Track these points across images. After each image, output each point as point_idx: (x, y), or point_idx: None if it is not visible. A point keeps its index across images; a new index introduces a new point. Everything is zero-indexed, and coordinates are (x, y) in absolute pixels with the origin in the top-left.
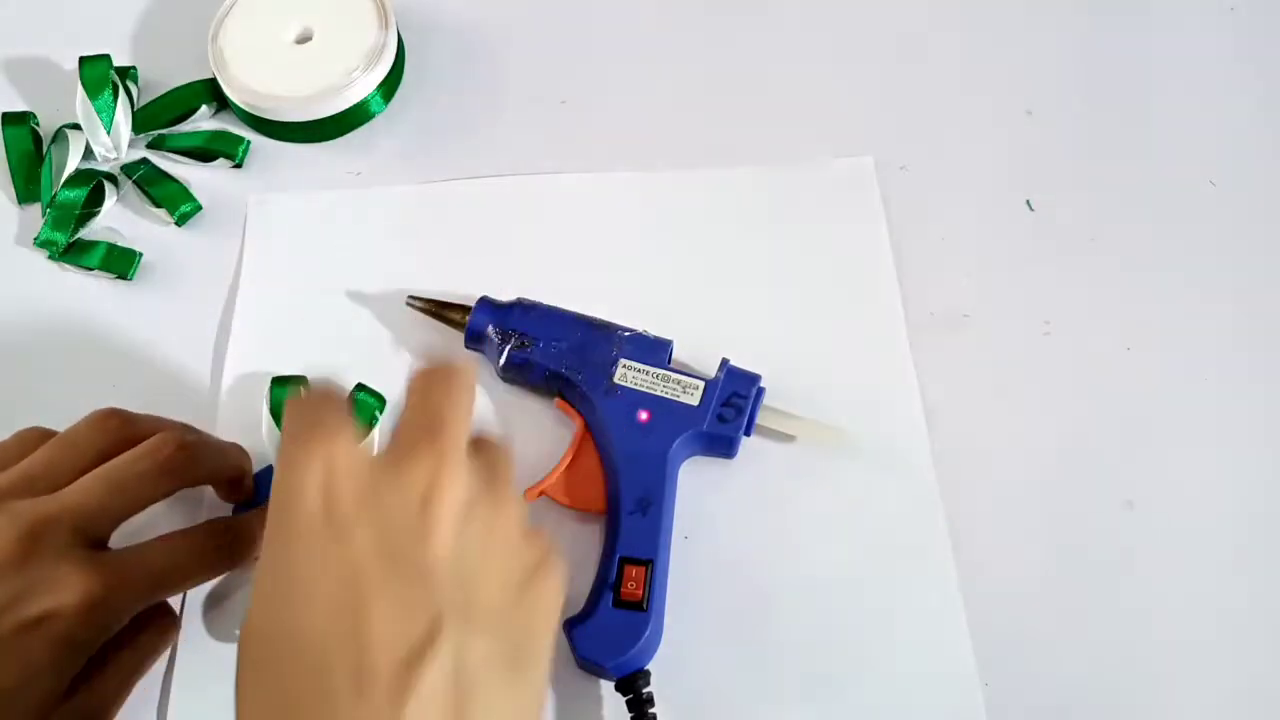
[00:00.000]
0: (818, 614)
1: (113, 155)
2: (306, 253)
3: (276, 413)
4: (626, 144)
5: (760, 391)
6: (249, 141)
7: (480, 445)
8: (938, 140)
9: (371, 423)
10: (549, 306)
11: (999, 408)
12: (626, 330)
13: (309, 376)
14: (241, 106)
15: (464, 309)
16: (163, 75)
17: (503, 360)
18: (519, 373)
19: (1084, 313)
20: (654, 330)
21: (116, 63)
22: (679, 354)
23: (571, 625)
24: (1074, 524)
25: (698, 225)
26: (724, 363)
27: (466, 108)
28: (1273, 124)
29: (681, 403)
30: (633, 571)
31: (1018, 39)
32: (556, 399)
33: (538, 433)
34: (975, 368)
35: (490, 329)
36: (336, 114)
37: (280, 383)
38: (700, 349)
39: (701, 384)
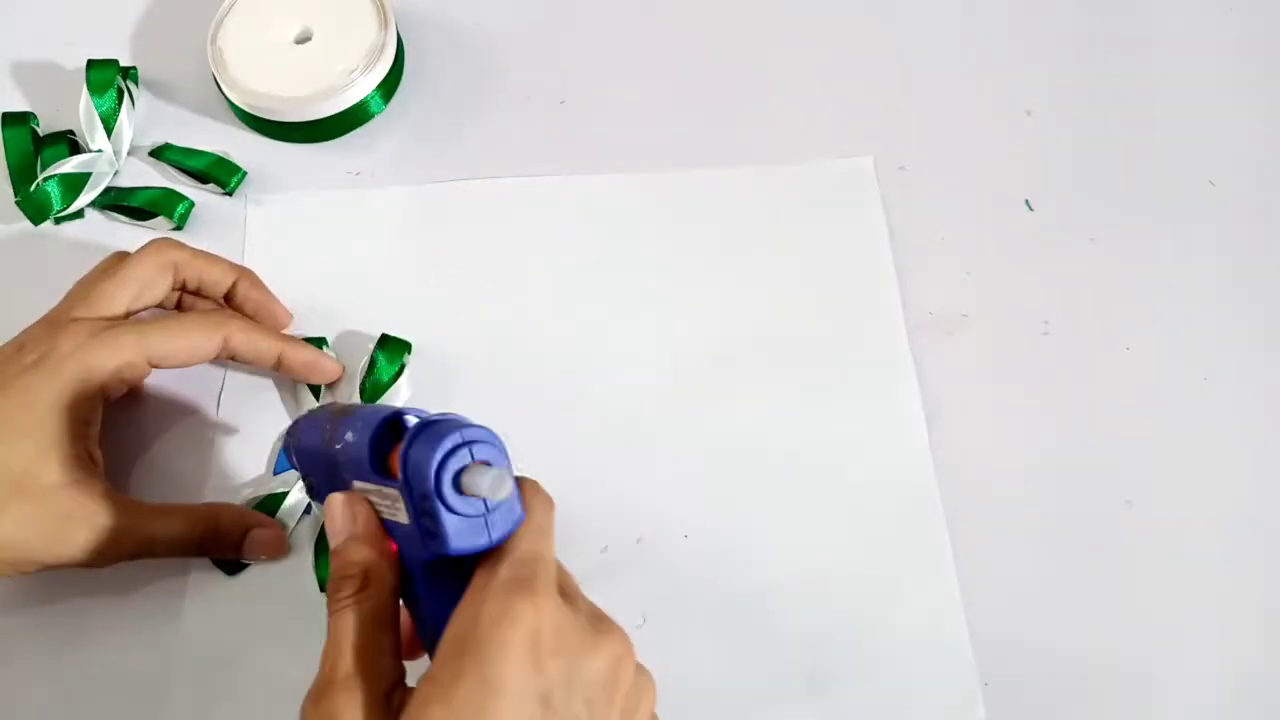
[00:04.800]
0: (817, 613)
1: (111, 169)
2: (306, 253)
3: None
4: (626, 144)
5: (442, 468)
6: (244, 173)
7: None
8: (938, 140)
9: (400, 371)
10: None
11: (999, 408)
12: (345, 434)
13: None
14: (241, 107)
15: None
16: (163, 75)
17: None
18: None
19: (1084, 313)
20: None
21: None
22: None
23: None
24: (1074, 524)
25: (698, 225)
26: (383, 421)
27: (466, 108)
28: (1273, 124)
29: (398, 523)
30: None
31: (1018, 39)
32: None
33: None
34: (975, 368)
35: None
36: (336, 114)
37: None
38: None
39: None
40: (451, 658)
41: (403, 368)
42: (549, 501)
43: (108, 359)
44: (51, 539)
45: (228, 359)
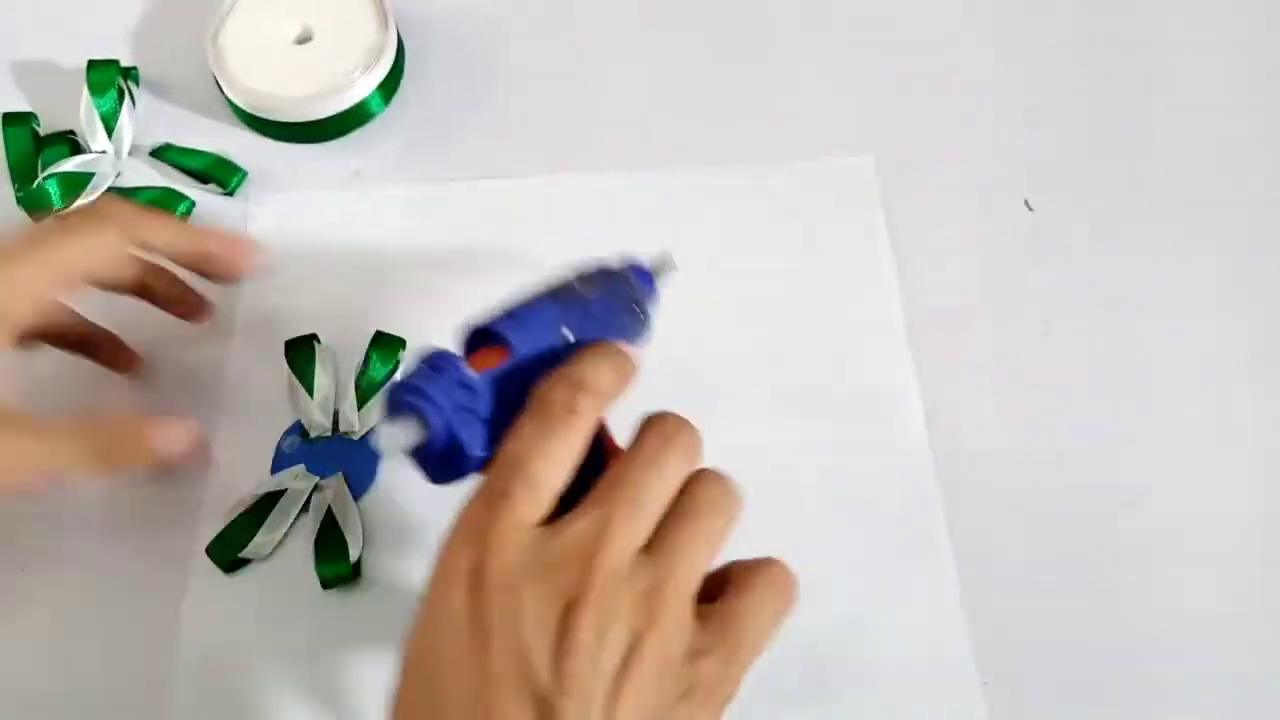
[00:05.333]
0: (816, 614)
1: (114, 170)
2: (307, 252)
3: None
4: (626, 144)
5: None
6: (245, 172)
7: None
8: (938, 140)
9: (394, 369)
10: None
11: (999, 408)
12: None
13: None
14: (241, 107)
15: None
16: (163, 75)
17: None
18: None
19: (1084, 313)
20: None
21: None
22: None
23: None
24: (1074, 524)
25: (698, 225)
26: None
27: (466, 108)
28: (1273, 124)
29: None
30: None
31: (1018, 38)
32: None
33: None
34: (975, 368)
35: None
36: (336, 114)
37: (294, 345)
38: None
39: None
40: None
41: (397, 365)
42: (549, 406)
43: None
44: None
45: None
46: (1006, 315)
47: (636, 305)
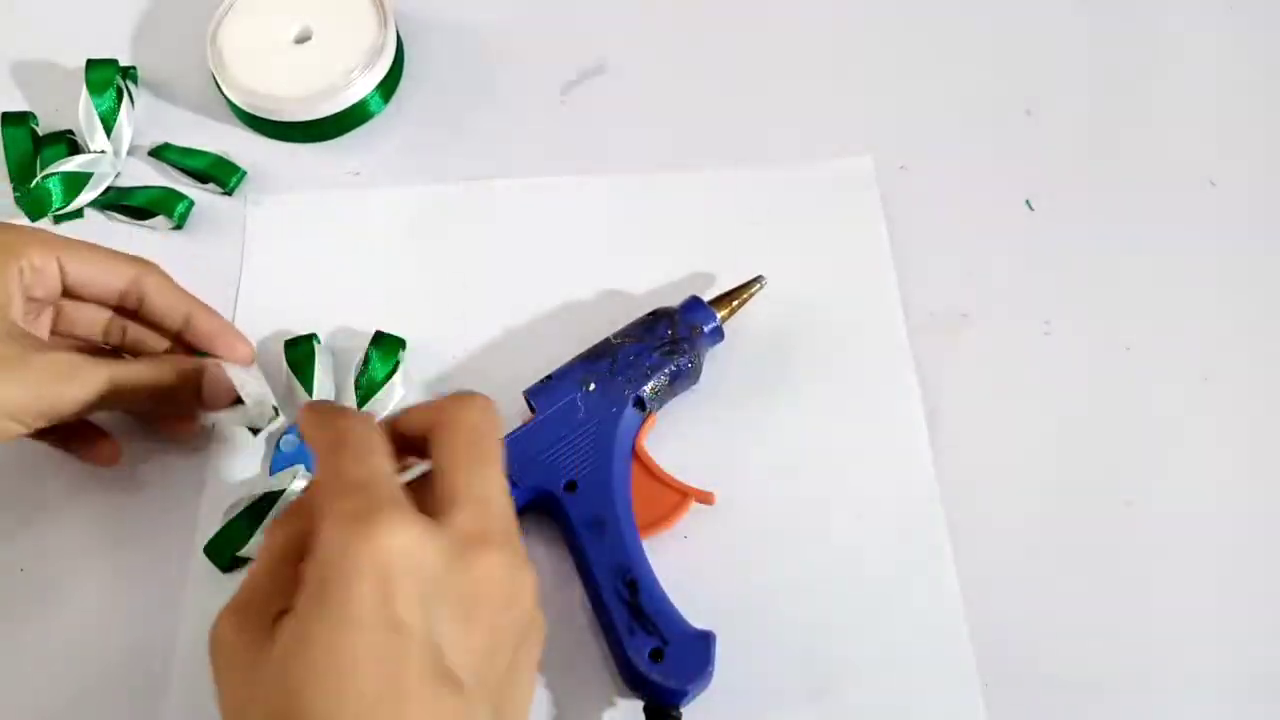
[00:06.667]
0: (817, 614)
1: (114, 170)
2: (306, 252)
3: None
4: (626, 144)
5: None
6: (244, 172)
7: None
8: (938, 140)
9: (394, 369)
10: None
11: (999, 408)
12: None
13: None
14: (241, 106)
15: None
16: (163, 75)
17: None
18: None
19: (1084, 313)
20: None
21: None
22: None
23: (653, 660)
24: (1074, 524)
25: (698, 225)
26: None
27: (466, 108)
28: (1273, 124)
29: None
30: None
31: (1018, 39)
32: None
33: None
34: (975, 368)
35: None
36: (336, 114)
37: (293, 345)
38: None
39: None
40: (312, 587)
41: (397, 365)
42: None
43: (14, 241)
44: (42, 397)
45: (135, 306)
46: (1006, 315)
47: (673, 344)
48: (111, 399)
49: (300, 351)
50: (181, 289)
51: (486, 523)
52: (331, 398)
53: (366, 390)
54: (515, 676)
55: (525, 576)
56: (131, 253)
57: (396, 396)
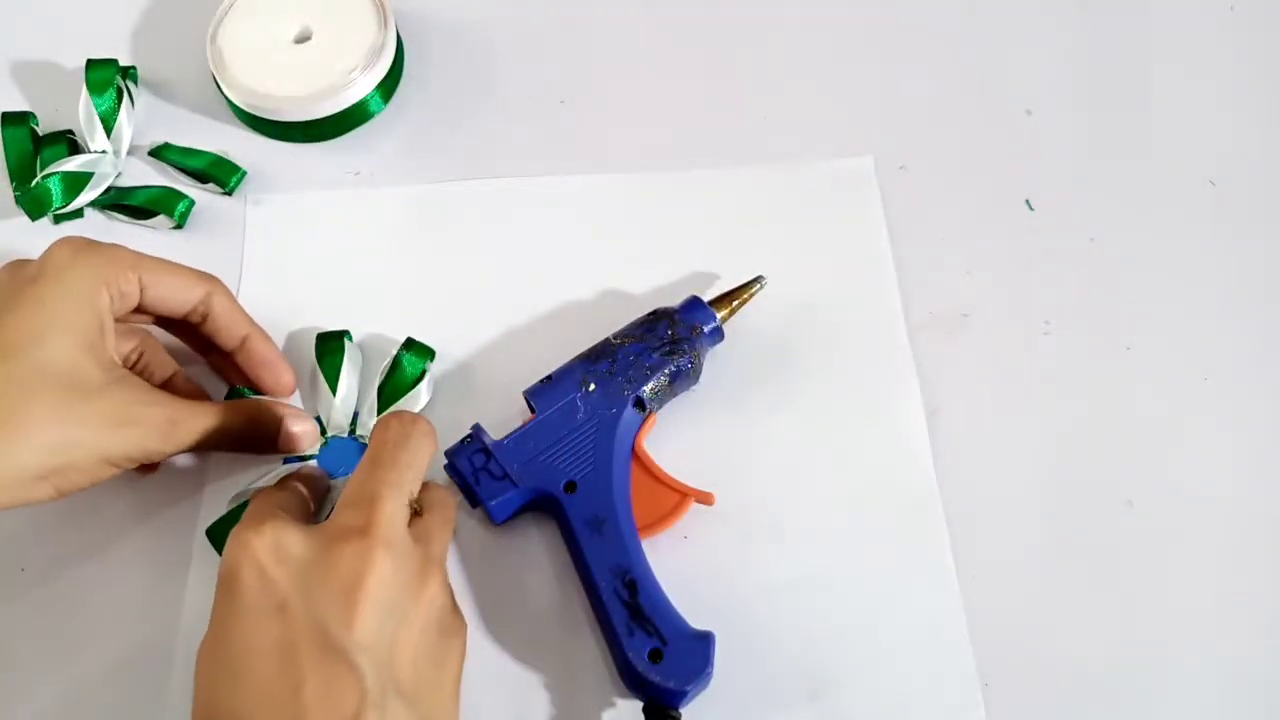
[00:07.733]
0: (817, 614)
1: (114, 170)
2: (306, 252)
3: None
4: (626, 144)
5: None
6: (244, 172)
7: (426, 501)
8: (938, 140)
9: (421, 376)
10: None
11: (999, 407)
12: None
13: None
14: (241, 106)
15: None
16: (163, 75)
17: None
18: None
19: (1084, 313)
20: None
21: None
22: None
23: (651, 660)
24: (1074, 524)
25: (698, 225)
26: None
27: (466, 108)
28: (1273, 124)
29: None
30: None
31: (1017, 39)
32: None
33: None
34: (975, 368)
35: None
36: (336, 114)
37: (324, 339)
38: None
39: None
40: (217, 592)
41: (424, 373)
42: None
43: (103, 265)
44: (111, 436)
45: (199, 322)
46: (1006, 315)
47: (673, 344)
48: (201, 447)
49: (330, 348)
50: (243, 309)
51: (368, 518)
52: (355, 397)
53: (392, 394)
54: (426, 667)
55: (419, 567)
56: (198, 268)
57: (422, 402)
